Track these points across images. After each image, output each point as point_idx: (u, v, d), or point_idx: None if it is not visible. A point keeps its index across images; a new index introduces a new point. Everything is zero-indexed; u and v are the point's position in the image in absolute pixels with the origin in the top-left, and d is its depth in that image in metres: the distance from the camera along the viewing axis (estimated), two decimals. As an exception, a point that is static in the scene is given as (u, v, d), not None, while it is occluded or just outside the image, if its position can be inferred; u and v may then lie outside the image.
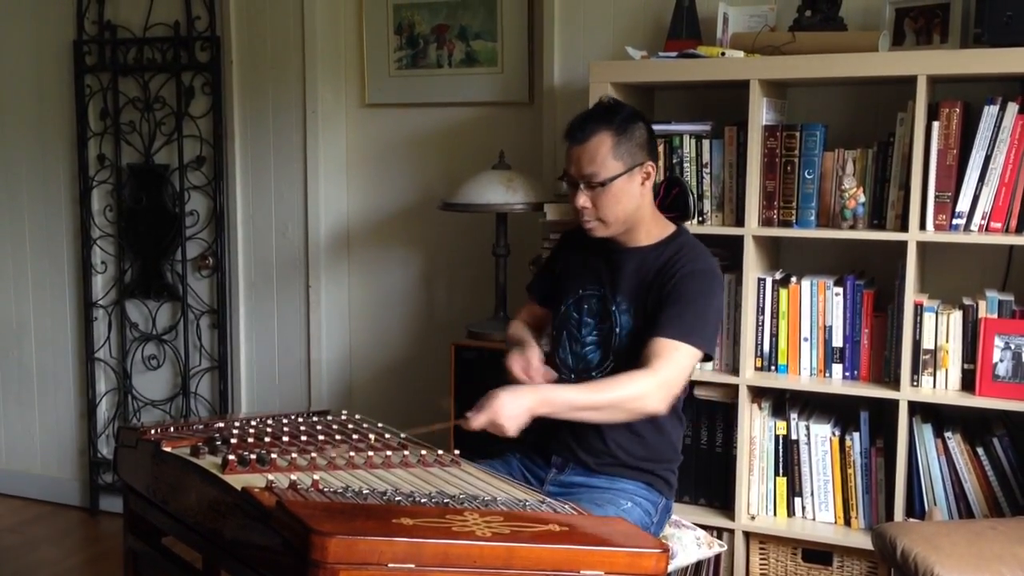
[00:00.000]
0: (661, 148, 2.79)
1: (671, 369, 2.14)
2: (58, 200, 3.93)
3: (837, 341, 2.69)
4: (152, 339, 3.84)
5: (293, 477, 1.80)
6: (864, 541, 2.60)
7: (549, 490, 2.20)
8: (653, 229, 2.31)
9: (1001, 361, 2.52)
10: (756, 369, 2.75)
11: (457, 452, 2.13)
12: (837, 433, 2.71)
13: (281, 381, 3.69)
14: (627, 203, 2.23)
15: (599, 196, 2.21)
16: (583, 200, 2.23)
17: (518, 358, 2.30)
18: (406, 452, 2.07)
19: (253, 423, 2.24)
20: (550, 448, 2.32)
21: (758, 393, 2.78)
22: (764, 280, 2.73)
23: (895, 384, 2.61)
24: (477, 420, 2.04)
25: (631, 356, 2.22)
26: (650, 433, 2.27)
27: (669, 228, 2.34)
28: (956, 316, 2.57)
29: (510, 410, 2.04)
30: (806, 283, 2.71)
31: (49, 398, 4.06)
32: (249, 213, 3.66)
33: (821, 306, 2.69)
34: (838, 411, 2.79)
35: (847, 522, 2.72)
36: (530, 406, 2.07)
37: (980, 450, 2.56)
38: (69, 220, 3.92)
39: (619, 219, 2.25)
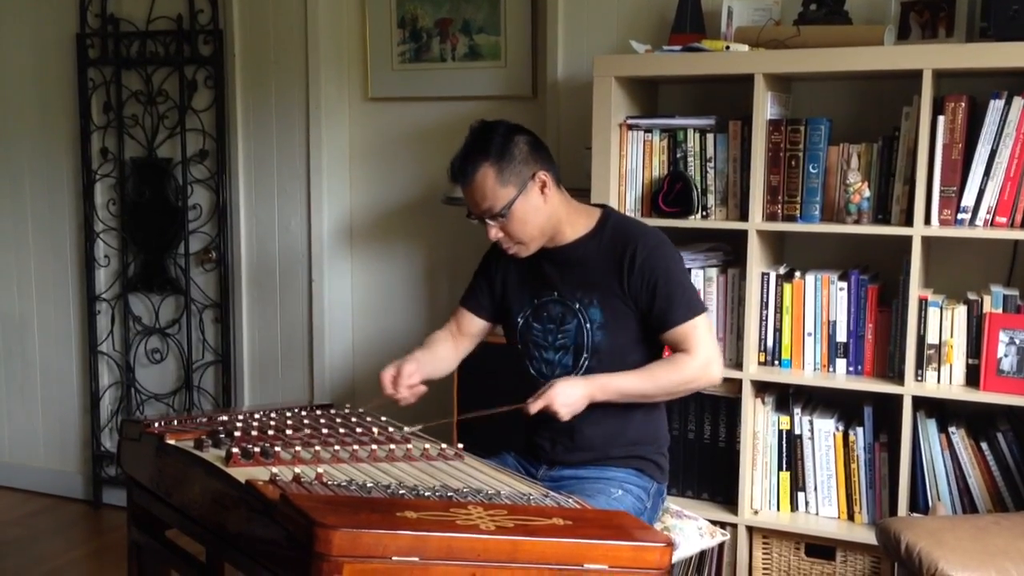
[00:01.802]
0: (665, 142, 2.79)
1: (704, 344, 2.22)
2: (61, 194, 3.93)
3: (841, 336, 2.68)
4: (155, 333, 3.84)
5: (297, 470, 1.80)
6: (868, 536, 2.60)
7: (543, 486, 2.20)
8: (578, 221, 2.30)
9: (1006, 356, 2.52)
10: (760, 364, 2.75)
11: (460, 446, 2.13)
12: (841, 428, 2.71)
13: (284, 375, 3.69)
14: (535, 219, 2.23)
15: (507, 224, 2.22)
16: (494, 233, 2.24)
17: (390, 367, 2.32)
18: (409, 446, 2.07)
19: (256, 416, 2.24)
20: (540, 444, 2.33)
21: (762, 388, 2.78)
22: (768, 275, 2.72)
23: (899, 379, 2.60)
24: (535, 405, 2.12)
25: (610, 348, 2.25)
26: (637, 418, 2.29)
27: (594, 214, 2.33)
28: (961, 311, 2.57)
29: (564, 397, 2.13)
30: (810, 278, 2.70)
31: (52, 391, 4.06)
32: (252, 207, 3.66)
33: (825, 301, 2.69)
34: (842, 406, 2.79)
35: (851, 517, 2.72)
36: (586, 393, 2.16)
37: (984, 445, 2.56)
38: (72, 214, 3.92)
39: (534, 236, 2.25)
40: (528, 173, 2.20)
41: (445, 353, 2.45)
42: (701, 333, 2.22)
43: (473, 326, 2.45)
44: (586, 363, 2.28)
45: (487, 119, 2.29)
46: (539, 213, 2.23)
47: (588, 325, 2.27)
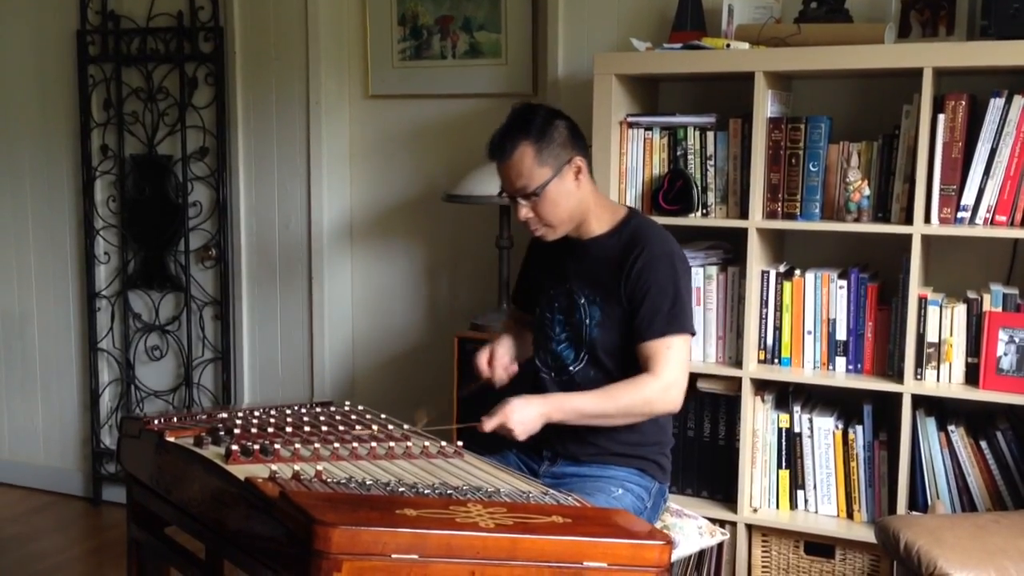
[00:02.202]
0: (665, 140, 2.79)
1: (671, 367, 2.18)
2: (61, 191, 3.93)
3: (841, 334, 2.68)
4: (155, 330, 3.84)
5: (296, 468, 1.80)
6: (867, 534, 2.60)
7: (544, 482, 2.20)
8: (603, 216, 2.31)
9: (1005, 355, 2.52)
10: (759, 362, 2.75)
11: (460, 444, 2.13)
12: (840, 426, 2.71)
13: (284, 372, 3.70)
14: (566, 203, 2.23)
15: (537, 205, 2.22)
16: (524, 212, 2.24)
17: (483, 350, 2.37)
18: (409, 443, 2.07)
19: (256, 414, 2.24)
20: (541, 441, 2.33)
21: (761, 386, 2.78)
22: (768, 273, 2.72)
23: (899, 377, 2.60)
24: (489, 423, 2.12)
25: (604, 347, 2.26)
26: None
27: (620, 212, 2.34)
28: (960, 309, 2.57)
29: (520, 416, 2.12)
30: (810, 276, 2.70)
31: (52, 388, 4.07)
32: (252, 204, 3.65)
33: (825, 299, 2.69)
34: (841, 404, 2.79)
35: (850, 515, 2.72)
36: (541, 412, 2.15)
37: (983, 443, 2.56)
38: (72, 211, 3.92)
39: (563, 220, 2.26)
40: (565, 157, 2.22)
41: (527, 334, 2.47)
42: (672, 354, 2.17)
43: (525, 319, 2.50)
44: (584, 359, 2.29)
45: (528, 102, 2.32)
46: (571, 198, 2.24)
47: (588, 321, 2.28)
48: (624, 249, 2.26)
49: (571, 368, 2.31)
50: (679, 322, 2.20)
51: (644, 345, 2.19)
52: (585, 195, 2.27)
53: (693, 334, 2.27)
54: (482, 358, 2.36)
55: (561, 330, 2.33)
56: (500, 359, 2.36)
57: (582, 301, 2.29)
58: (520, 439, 2.15)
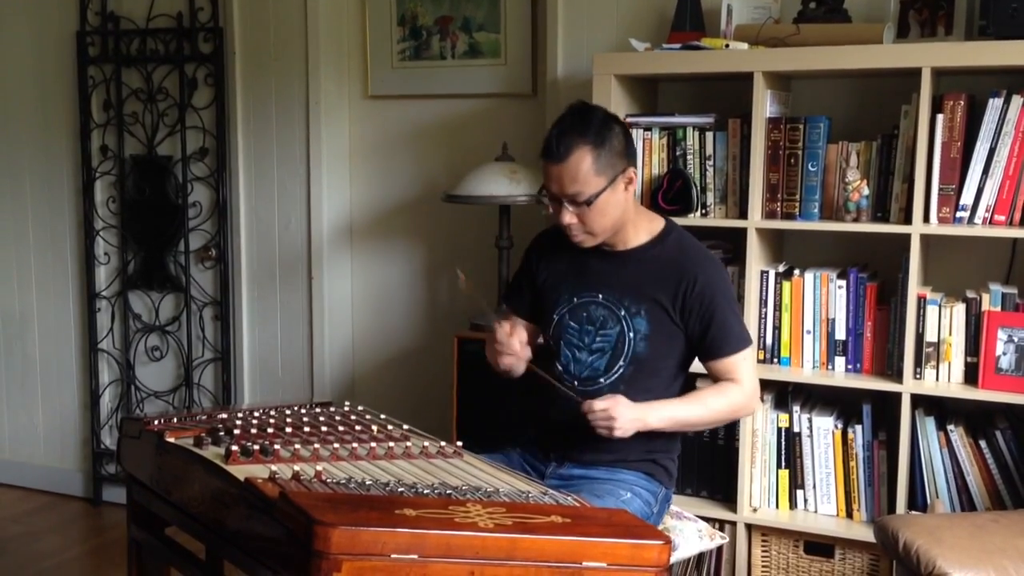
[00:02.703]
0: (665, 140, 2.79)
1: (751, 376, 2.27)
2: (61, 191, 3.93)
3: (840, 334, 2.69)
4: (155, 330, 3.85)
5: (296, 468, 1.80)
6: (866, 534, 2.60)
7: (550, 483, 2.20)
8: (642, 225, 2.29)
9: (1004, 354, 2.52)
10: (759, 361, 2.75)
11: (460, 444, 2.13)
12: (840, 426, 2.71)
13: (284, 372, 3.70)
14: (613, 212, 2.20)
15: (585, 212, 2.18)
16: (569, 218, 2.19)
17: (503, 322, 2.26)
18: (409, 443, 2.07)
19: (256, 414, 2.24)
20: (549, 444, 2.32)
21: (761, 385, 2.77)
22: (767, 272, 2.73)
23: (898, 377, 2.61)
24: (598, 403, 2.11)
25: (651, 360, 2.24)
26: None
27: (657, 221, 2.32)
28: (959, 309, 2.57)
29: (626, 414, 2.12)
30: (809, 276, 2.71)
31: (52, 389, 4.07)
32: (252, 205, 3.66)
33: (824, 299, 2.69)
34: (841, 404, 2.80)
35: (849, 515, 2.72)
36: (641, 417, 2.14)
37: (983, 443, 2.56)
38: (72, 211, 3.92)
39: (607, 229, 2.23)
40: (620, 167, 2.19)
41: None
42: (747, 365, 2.26)
43: (519, 321, 2.40)
44: (620, 370, 2.25)
45: (585, 101, 2.28)
46: (618, 208, 2.21)
47: (631, 334, 2.24)
48: (672, 263, 2.24)
49: (602, 380, 2.26)
50: (745, 336, 2.27)
51: (720, 362, 2.24)
52: (630, 205, 2.25)
53: (753, 341, 2.33)
54: (505, 326, 2.23)
55: (592, 340, 2.27)
56: (520, 334, 2.24)
57: (622, 313, 2.25)
58: (615, 435, 2.11)
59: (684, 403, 2.23)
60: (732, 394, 2.23)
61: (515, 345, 2.23)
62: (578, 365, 2.29)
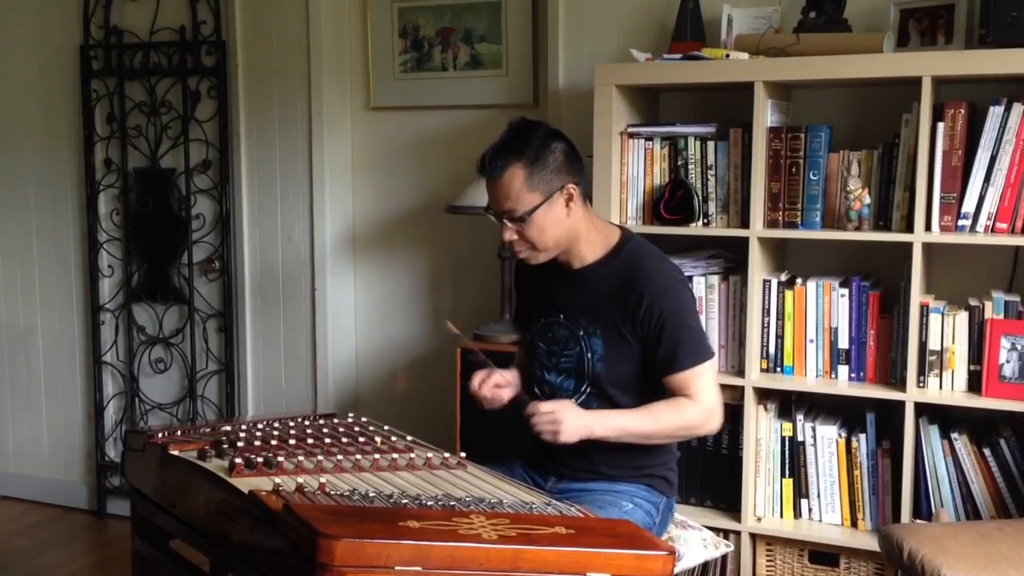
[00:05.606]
0: (666, 150, 2.80)
1: (706, 392, 2.19)
2: (65, 204, 3.94)
3: (843, 343, 2.69)
4: (159, 342, 3.85)
5: (300, 480, 1.80)
6: (871, 543, 2.60)
7: (551, 496, 2.20)
8: (596, 241, 2.25)
9: (1007, 362, 2.52)
10: (762, 371, 2.75)
11: (463, 455, 2.13)
12: (843, 435, 2.71)
13: (287, 384, 3.70)
14: (553, 229, 2.18)
15: (523, 229, 2.17)
16: (508, 234, 2.19)
17: (479, 372, 2.29)
18: (412, 455, 2.07)
19: (260, 426, 2.24)
20: (548, 460, 2.31)
21: (764, 395, 2.78)
22: (770, 282, 2.73)
23: (901, 385, 2.61)
24: (544, 405, 2.10)
25: (611, 381, 2.22)
26: None
27: (613, 236, 2.28)
28: (962, 317, 2.57)
29: (572, 420, 2.10)
30: (812, 285, 2.71)
31: (56, 401, 4.07)
32: (255, 216, 3.67)
33: (827, 308, 2.69)
34: (844, 413, 2.79)
35: (854, 524, 2.71)
36: (587, 424, 2.12)
37: (987, 451, 2.56)
38: (76, 224, 3.94)
39: (550, 246, 2.20)
40: (558, 184, 2.16)
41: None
42: (703, 381, 2.18)
43: (496, 370, 2.38)
44: (587, 390, 2.25)
45: (527, 117, 2.25)
46: (559, 224, 2.18)
47: (589, 355, 2.23)
48: (622, 280, 2.20)
49: (573, 399, 2.24)
50: (702, 350, 2.19)
51: (674, 377, 2.17)
52: (575, 221, 2.21)
53: (714, 354, 2.26)
54: (478, 376, 2.28)
55: (558, 360, 2.28)
56: (492, 382, 2.27)
57: (580, 333, 2.24)
58: (558, 441, 2.09)
59: (634, 415, 2.17)
60: (686, 410, 2.16)
61: (484, 394, 2.28)
62: (550, 386, 2.30)
